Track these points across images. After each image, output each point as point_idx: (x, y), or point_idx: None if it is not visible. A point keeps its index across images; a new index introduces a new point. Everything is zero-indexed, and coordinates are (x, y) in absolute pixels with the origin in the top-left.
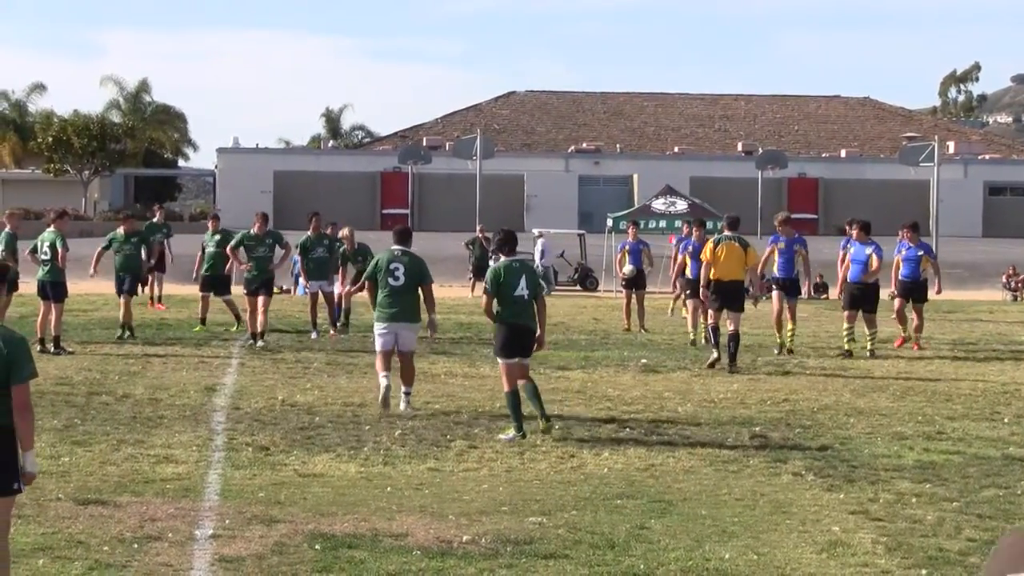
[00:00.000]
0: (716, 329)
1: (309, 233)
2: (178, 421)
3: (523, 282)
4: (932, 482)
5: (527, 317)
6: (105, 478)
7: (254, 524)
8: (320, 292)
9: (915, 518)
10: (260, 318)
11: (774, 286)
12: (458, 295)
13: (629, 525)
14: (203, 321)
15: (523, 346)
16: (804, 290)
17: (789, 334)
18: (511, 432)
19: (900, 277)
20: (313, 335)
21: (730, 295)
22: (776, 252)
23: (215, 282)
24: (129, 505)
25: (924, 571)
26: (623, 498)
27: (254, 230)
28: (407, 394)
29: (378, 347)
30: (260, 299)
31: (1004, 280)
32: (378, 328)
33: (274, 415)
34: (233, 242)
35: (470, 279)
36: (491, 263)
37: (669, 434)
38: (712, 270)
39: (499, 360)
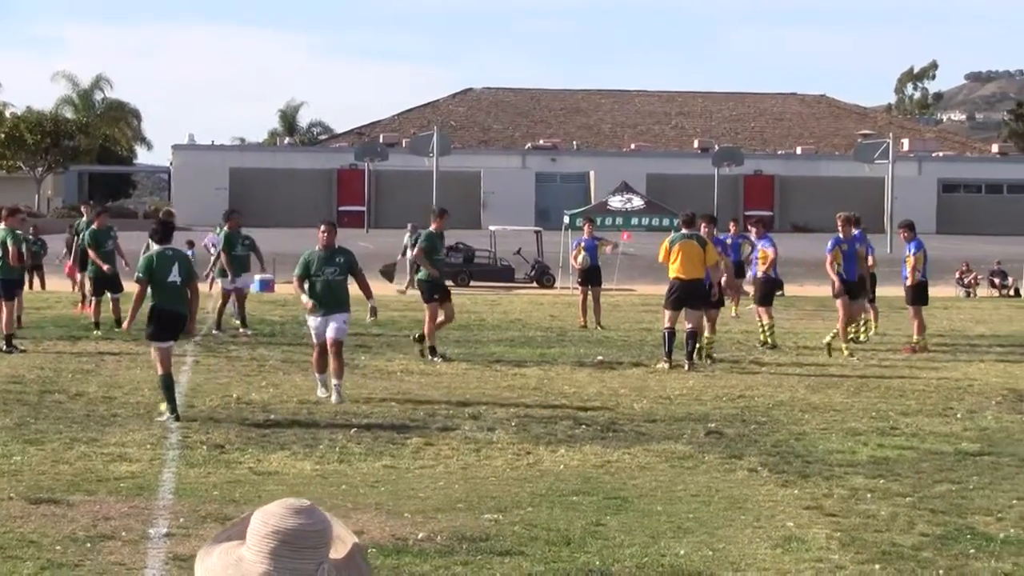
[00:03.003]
0: (672, 334)
1: (227, 230)
2: (132, 419)
3: (176, 269)
4: (885, 477)
5: (179, 303)
6: (58, 477)
7: (209, 522)
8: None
9: (869, 513)
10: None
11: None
12: (415, 293)
13: (585, 521)
14: (98, 325)
15: (175, 330)
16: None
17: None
18: (165, 414)
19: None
20: (216, 332)
21: (691, 294)
22: (841, 254)
23: (112, 281)
24: (82, 504)
25: (877, 566)
26: (579, 495)
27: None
28: (336, 386)
29: (314, 340)
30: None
31: (957, 276)
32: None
33: (229, 413)
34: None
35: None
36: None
37: (625, 431)
38: (671, 270)
39: (152, 344)
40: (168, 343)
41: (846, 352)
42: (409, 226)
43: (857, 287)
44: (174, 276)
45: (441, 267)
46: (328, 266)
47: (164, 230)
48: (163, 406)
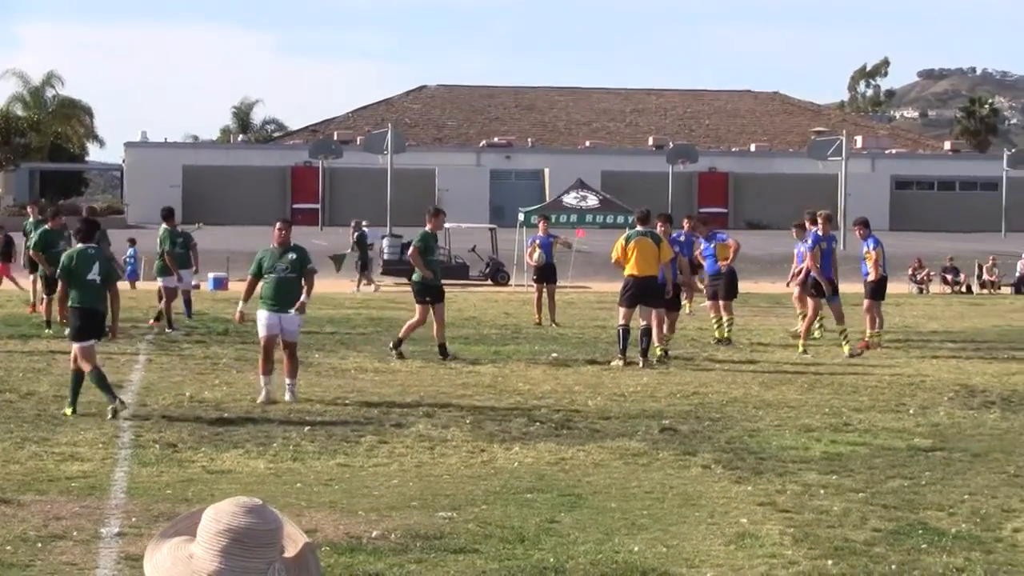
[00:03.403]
0: (627, 331)
1: (167, 229)
2: (84, 418)
3: (96, 267)
4: (839, 473)
5: (98, 301)
6: (8, 476)
7: (161, 522)
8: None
9: (822, 509)
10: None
11: (815, 290)
12: (365, 290)
13: (539, 519)
14: (50, 324)
15: (95, 329)
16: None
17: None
18: (109, 413)
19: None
20: (168, 331)
21: (645, 291)
22: (820, 252)
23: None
24: (33, 504)
25: (830, 561)
26: (533, 492)
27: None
28: (290, 385)
29: (264, 332)
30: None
31: (910, 273)
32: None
33: (182, 411)
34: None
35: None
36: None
37: (579, 428)
38: (625, 267)
39: (74, 344)
40: (89, 342)
41: (800, 349)
42: (353, 223)
43: (834, 286)
44: (93, 274)
45: (436, 268)
46: (280, 262)
47: (87, 228)
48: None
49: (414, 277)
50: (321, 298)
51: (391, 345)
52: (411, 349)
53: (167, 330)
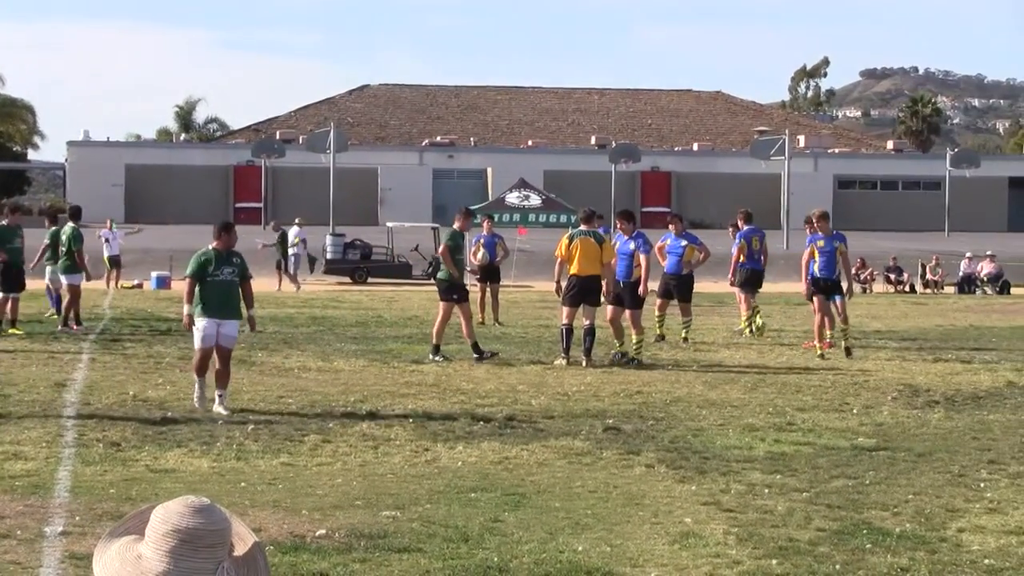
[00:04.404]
0: (570, 331)
1: (74, 227)
2: (27, 417)
3: None
4: (782, 473)
5: None
6: None
7: (105, 520)
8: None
9: (766, 509)
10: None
11: (815, 287)
12: (312, 290)
13: (483, 518)
14: (15, 323)
15: None
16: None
17: (841, 332)
18: None
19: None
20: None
21: (587, 290)
22: (816, 251)
23: (22, 278)
24: None
25: (775, 561)
26: (477, 491)
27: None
28: (220, 396)
29: (202, 344)
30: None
31: (853, 272)
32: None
33: (125, 410)
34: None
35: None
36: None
37: (523, 427)
38: (569, 266)
39: None
40: None
41: (819, 351)
42: (272, 223)
43: (834, 285)
44: None
45: (463, 267)
46: (227, 266)
47: None
48: None
49: (440, 275)
50: (264, 297)
51: (431, 355)
52: (353, 348)
53: (60, 327)
